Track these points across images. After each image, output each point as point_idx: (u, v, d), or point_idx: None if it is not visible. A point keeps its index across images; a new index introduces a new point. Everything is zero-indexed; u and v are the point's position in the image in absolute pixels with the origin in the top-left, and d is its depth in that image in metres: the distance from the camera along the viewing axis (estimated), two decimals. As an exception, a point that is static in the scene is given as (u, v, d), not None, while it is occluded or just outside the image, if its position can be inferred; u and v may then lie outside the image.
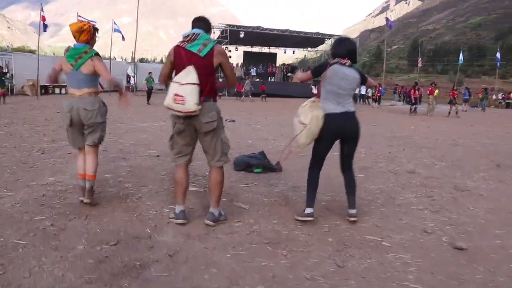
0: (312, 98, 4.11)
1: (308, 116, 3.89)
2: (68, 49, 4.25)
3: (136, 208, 4.22)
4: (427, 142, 10.77)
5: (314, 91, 30.81)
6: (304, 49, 47.92)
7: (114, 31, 27.85)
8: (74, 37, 4.20)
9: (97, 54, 4.23)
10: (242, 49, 41.40)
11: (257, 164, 6.19)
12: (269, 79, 38.60)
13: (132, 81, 32.98)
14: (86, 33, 4.20)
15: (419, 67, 46.10)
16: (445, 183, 6.06)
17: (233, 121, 13.87)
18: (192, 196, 4.71)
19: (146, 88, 23.51)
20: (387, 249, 3.46)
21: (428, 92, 23.21)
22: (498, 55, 38.62)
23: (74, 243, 3.32)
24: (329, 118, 3.90)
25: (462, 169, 7.20)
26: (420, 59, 44.42)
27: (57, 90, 27.23)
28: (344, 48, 3.98)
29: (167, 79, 3.78)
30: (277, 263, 3.13)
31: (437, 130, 14.09)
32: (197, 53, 3.60)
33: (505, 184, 6.20)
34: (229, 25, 35.54)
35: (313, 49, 47.23)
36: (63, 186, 4.94)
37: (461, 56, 40.22)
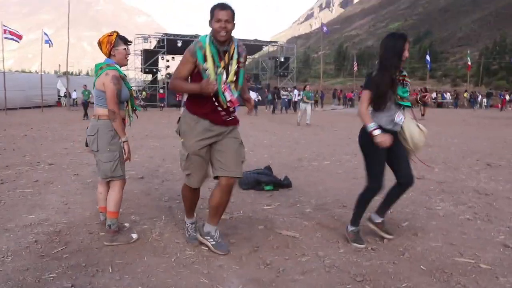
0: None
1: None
2: None
3: (166, 249, 3.41)
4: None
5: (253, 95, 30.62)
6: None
7: (45, 42, 25.63)
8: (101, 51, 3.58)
9: (114, 70, 3.49)
10: (178, 58, 40.18)
11: (267, 181, 5.53)
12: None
13: (62, 95, 30.84)
14: (105, 46, 3.53)
15: (355, 71, 47.33)
16: (462, 187, 5.79)
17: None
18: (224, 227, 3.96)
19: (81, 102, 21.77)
20: (491, 273, 2.97)
21: (359, 95, 23.85)
22: (428, 58, 40.64)
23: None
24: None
25: (461, 171, 7.03)
26: (355, 63, 45.76)
27: None
28: (388, 49, 3.43)
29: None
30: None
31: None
32: None
33: (516, 183, 6.06)
34: (167, 34, 34.36)
35: (250, 56, 47.06)
36: (53, 226, 3.98)
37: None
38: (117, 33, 3.54)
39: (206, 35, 3.13)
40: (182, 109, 3.45)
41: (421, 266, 3.07)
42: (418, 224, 4.09)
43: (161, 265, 3.09)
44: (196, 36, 35.43)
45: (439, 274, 2.93)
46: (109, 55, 3.54)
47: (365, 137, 3.37)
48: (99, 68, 3.54)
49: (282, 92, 28.42)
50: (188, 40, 34.12)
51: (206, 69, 3.09)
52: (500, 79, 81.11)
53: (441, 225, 4.07)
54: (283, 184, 5.67)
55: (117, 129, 3.47)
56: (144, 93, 31.98)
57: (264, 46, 40.85)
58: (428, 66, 42.07)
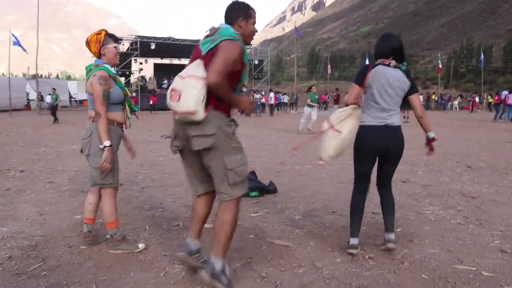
0: (353, 105, 3.30)
1: (346, 124, 3.19)
2: None
3: (154, 263, 3.19)
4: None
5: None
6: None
7: (13, 44, 24.74)
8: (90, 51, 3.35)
9: (102, 70, 3.25)
10: (152, 61, 39.63)
11: (253, 187, 5.36)
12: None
13: (32, 98, 29.85)
14: (94, 45, 3.30)
15: (329, 74, 47.74)
16: (447, 190, 5.78)
17: (169, 137, 12.73)
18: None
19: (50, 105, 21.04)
20: (494, 281, 2.89)
21: (333, 97, 24.79)
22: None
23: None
24: (368, 131, 3.28)
25: (444, 174, 7.05)
26: (329, 66, 46.13)
27: None
28: (387, 46, 3.28)
29: None
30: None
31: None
32: (203, 50, 2.70)
33: (498, 185, 6.10)
34: (140, 37, 33.78)
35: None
36: (29, 239, 3.70)
37: (367, 62, 42.32)
38: (106, 31, 3.32)
39: (236, 32, 2.71)
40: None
41: (423, 275, 2.96)
42: (412, 230, 4.00)
43: (149, 281, 2.88)
44: (169, 38, 35.09)
45: (442, 284, 2.83)
46: (99, 54, 3.31)
47: None
48: (88, 70, 3.31)
49: (255, 96, 27.97)
50: (162, 43, 33.65)
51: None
52: (468, 81, 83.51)
53: (434, 231, 3.99)
54: (268, 190, 5.52)
55: (100, 131, 3.22)
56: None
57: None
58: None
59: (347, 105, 3.23)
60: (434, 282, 2.85)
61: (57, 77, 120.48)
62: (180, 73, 2.64)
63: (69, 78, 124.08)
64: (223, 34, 2.64)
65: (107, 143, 3.21)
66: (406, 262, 3.19)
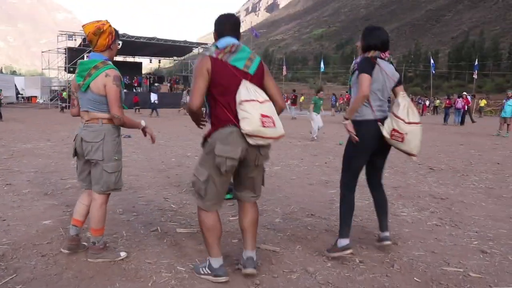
0: (402, 94, 3.34)
1: (414, 113, 3.25)
2: (78, 65, 3.12)
3: (138, 272, 3.01)
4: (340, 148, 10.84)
5: (186, 99, 29.84)
6: (171, 58, 46.35)
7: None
8: (90, 43, 3.03)
9: (114, 69, 3.03)
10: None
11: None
12: (134, 90, 36.11)
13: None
14: (106, 37, 3.01)
15: (284, 75, 48.20)
16: (417, 192, 5.93)
17: (129, 136, 12.31)
18: (192, 242, 3.64)
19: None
20: (483, 282, 2.96)
21: (291, 98, 25.48)
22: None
23: None
24: (371, 125, 3.24)
25: (409, 175, 7.24)
26: (285, 67, 46.55)
27: None
28: (380, 39, 3.27)
29: (202, 101, 2.75)
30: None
31: (331, 134, 14.39)
32: (244, 70, 2.74)
33: (462, 187, 6.33)
34: (93, 32, 32.51)
35: (179, 58, 46.05)
36: (-6, 247, 3.41)
37: (322, 64, 43.14)
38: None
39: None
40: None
41: (415, 278, 2.98)
42: (392, 232, 4.02)
43: (137, 292, 2.71)
44: (124, 35, 34.02)
45: (436, 286, 2.86)
46: (105, 48, 3.05)
47: None
48: (92, 66, 2.99)
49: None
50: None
51: None
52: (415, 85, 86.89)
53: (414, 233, 4.05)
54: (243, 192, 5.41)
55: (131, 125, 3.15)
56: (64, 93, 29.94)
57: (194, 48, 40.13)
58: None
59: (364, 97, 3.13)
60: (427, 285, 2.88)
61: (1, 71, 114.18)
62: (250, 97, 2.64)
63: (14, 73, 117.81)
64: (249, 51, 2.80)
65: (143, 122, 3.24)
66: (396, 265, 3.20)
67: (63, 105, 28.34)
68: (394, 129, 3.13)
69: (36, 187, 5.62)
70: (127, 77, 36.26)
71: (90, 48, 3.04)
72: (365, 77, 3.13)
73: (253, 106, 2.62)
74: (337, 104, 34.74)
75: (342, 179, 3.42)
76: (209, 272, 2.89)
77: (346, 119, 3.28)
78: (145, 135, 3.29)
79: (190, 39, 42.66)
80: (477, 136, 15.53)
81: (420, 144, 3.25)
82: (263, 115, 2.61)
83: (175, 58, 44.44)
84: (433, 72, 45.90)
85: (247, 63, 2.75)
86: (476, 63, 44.18)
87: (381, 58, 3.27)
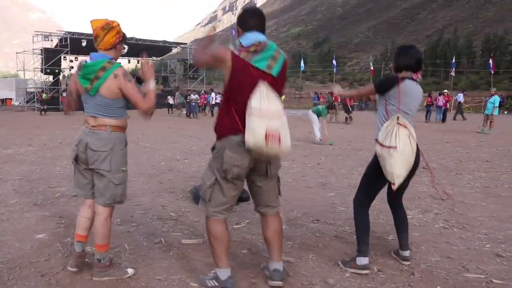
0: (393, 117, 3.09)
1: (398, 137, 2.98)
2: (80, 67, 2.85)
3: (149, 286, 2.83)
4: (332, 149, 10.80)
5: (171, 101, 29.40)
6: (149, 58, 45.62)
7: None
8: (95, 39, 2.81)
9: (120, 67, 2.82)
10: (82, 59, 37.36)
11: (227, 194, 5.07)
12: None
13: None
14: (115, 34, 2.83)
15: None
16: (415, 193, 5.92)
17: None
18: (199, 254, 3.46)
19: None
20: (507, 291, 2.86)
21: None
22: (334, 62, 42.69)
23: None
24: None
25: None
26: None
27: None
28: (413, 58, 3.16)
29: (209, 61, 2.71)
30: None
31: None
32: (266, 71, 2.57)
33: (459, 186, 6.33)
34: (70, 33, 31.80)
35: (157, 58, 45.41)
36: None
37: (302, 64, 43.23)
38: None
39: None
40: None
41: (438, 287, 2.88)
42: (416, 259, 3.92)
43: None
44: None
45: (463, 296, 2.76)
46: (111, 47, 2.85)
47: None
48: (99, 68, 2.76)
49: (191, 96, 25.92)
50: (92, 40, 31.79)
51: None
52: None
53: (424, 236, 3.98)
54: (242, 198, 5.24)
55: (152, 95, 2.92)
56: (44, 95, 29.18)
57: (173, 48, 39.76)
58: (334, 70, 44.19)
59: (361, 96, 3.11)
60: None
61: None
62: (259, 106, 2.45)
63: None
64: (275, 48, 2.64)
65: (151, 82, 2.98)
66: (416, 273, 3.10)
67: (43, 107, 27.51)
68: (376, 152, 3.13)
69: (23, 196, 5.34)
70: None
71: (68, 49, 2.85)
72: (370, 87, 3.28)
73: (260, 119, 2.44)
74: (320, 102, 34.73)
75: (357, 195, 3.32)
76: (216, 284, 2.75)
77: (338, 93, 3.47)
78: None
79: (168, 39, 42.10)
80: (461, 134, 15.71)
81: (399, 171, 3.02)
82: (268, 131, 2.43)
83: (154, 58, 43.84)
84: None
85: (270, 63, 2.57)
86: (454, 60, 44.92)
87: (413, 79, 3.17)
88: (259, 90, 2.49)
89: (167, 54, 43.28)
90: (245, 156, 2.56)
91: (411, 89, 3.11)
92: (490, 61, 39.53)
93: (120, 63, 2.87)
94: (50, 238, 3.81)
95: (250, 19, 2.67)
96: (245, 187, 5.60)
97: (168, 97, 29.56)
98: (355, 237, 3.29)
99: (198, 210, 4.75)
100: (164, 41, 37.32)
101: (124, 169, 2.94)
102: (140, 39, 35.38)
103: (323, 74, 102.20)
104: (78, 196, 3.11)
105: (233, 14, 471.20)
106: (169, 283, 2.90)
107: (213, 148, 2.74)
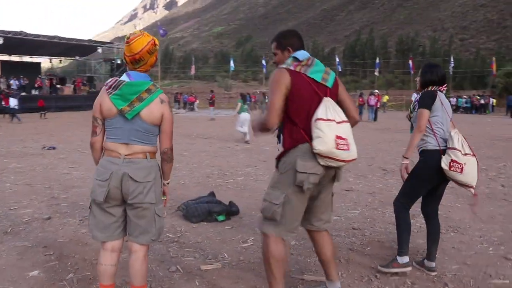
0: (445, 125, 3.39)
1: (466, 145, 3.27)
2: (117, 86, 2.49)
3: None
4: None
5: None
6: (73, 58, 43.09)
7: None
8: (137, 61, 2.52)
9: (164, 93, 2.58)
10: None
11: (220, 210, 4.91)
12: (33, 92, 32.97)
13: None
14: (155, 55, 2.55)
15: (193, 74, 47.47)
16: (393, 196, 6.01)
17: (54, 148, 11.15)
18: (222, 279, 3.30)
19: None
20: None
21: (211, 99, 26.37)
22: (263, 61, 43.26)
23: None
24: (433, 155, 3.30)
25: (370, 179, 7.47)
26: (193, 66, 45.88)
27: None
28: (440, 74, 3.43)
29: (279, 120, 2.64)
30: None
31: (267, 138, 14.37)
32: (322, 83, 2.66)
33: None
34: (-19, 30, 29.05)
35: (81, 58, 43.00)
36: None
37: (231, 63, 43.29)
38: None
39: None
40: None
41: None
42: (411, 245, 4.03)
43: None
44: (20, 33, 30.94)
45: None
46: (151, 68, 2.59)
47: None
48: (144, 89, 2.50)
49: None
50: (11, 38, 29.43)
51: None
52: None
53: (453, 265, 3.72)
54: (232, 212, 5.12)
55: (170, 170, 2.74)
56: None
57: (98, 48, 37.86)
58: (264, 69, 44.76)
59: (420, 132, 3.28)
60: None
61: None
62: (327, 117, 2.56)
63: None
64: (323, 65, 2.75)
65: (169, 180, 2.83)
66: (449, 283, 3.21)
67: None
68: (452, 160, 3.17)
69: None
70: (23, 78, 33.06)
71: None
72: (424, 112, 3.28)
73: (328, 126, 2.54)
74: (252, 103, 34.96)
75: (399, 200, 3.48)
76: None
77: (405, 158, 3.38)
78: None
79: (87, 37, 39.96)
80: (396, 132, 16.62)
81: (477, 176, 3.30)
82: (338, 137, 2.54)
83: (77, 58, 41.51)
84: (340, 70, 48.46)
85: (324, 76, 2.68)
86: (377, 61, 47.50)
87: (441, 91, 3.42)
88: (324, 103, 2.60)
89: (91, 54, 41.14)
90: (316, 163, 2.57)
91: (444, 98, 3.39)
92: (410, 62, 42.21)
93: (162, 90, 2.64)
94: (47, 276, 3.38)
95: (296, 39, 2.82)
96: (239, 199, 5.48)
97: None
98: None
99: (193, 228, 4.58)
100: (90, 40, 35.49)
101: (163, 198, 2.70)
102: (63, 38, 33.38)
103: (246, 73, 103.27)
104: (95, 239, 2.69)
105: (154, 12, 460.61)
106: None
107: (277, 165, 2.71)
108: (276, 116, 2.58)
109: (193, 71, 48.71)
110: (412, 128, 3.54)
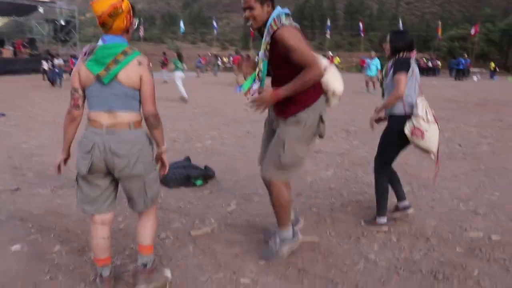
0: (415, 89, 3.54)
1: (430, 112, 3.44)
2: (91, 51, 2.34)
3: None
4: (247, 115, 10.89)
5: (45, 66, 26.16)
6: (11, 17, 40.11)
7: None
8: (103, 25, 2.33)
9: (144, 56, 2.43)
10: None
11: (197, 175, 4.89)
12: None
13: None
14: (125, 17, 2.35)
15: (142, 35, 45.69)
16: (360, 158, 6.34)
17: (3, 114, 10.49)
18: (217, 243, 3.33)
19: None
20: (508, 243, 3.33)
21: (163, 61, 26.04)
22: (214, 23, 42.29)
23: None
24: (404, 121, 3.47)
25: (334, 139, 7.67)
26: (142, 27, 44.11)
27: None
28: (409, 40, 3.54)
29: None
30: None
31: (225, 100, 14.30)
32: None
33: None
34: None
35: (19, 17, 40.10)
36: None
37: (181, 25, 42.16)
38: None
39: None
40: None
41: (457, 247, 3.26)
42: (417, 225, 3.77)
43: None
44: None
45: (479, 252, 3.19)
46: (124, 31, 2.41)
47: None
48: (119, 51, 2.35)
49: (55, 61, 22.03)
50: None
51: None
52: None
53: (431, 222, 3.83)
54: (209, 175, 5.11)
55: (161, 136, 2.56)
56: None
57: (39, 7, 35.32)
58: (215, 31, 43.91)
59: (399, 97, 3.36)
60: (472, 252, 3.19)
61: None
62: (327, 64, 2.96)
63: None
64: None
65: (165, 147, 2.63)
66: (432, 239, 3.41)
67: None
68: (415, 126, 3.35)
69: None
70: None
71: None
72: (403, 77, 3.35)
73: (335, 69, 3.02)
74: (203, 65, 34.32)
75: (376, 166, 3.70)
76: (288, 241, 3.03)
77: (375, 112, 3.64)
78: (157, 161, 2.65)
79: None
80: (352, 94, 16.91)
81: (437, 142, 3.49)
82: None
83: (14, 17, 38.62)
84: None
85: None
86: (328, 23, 47.72)
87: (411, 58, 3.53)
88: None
89: (31, 13, 38.41)
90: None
91: (415, 65, 3.53)
92: (360, 24, 42.70)
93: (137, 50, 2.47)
94: (31, 249, 3.26)
95: None
96: (210, 164, 5.42)
97: (42, 61, 25.68)
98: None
99: (172, 193, 4.54)
100: (29, -1, 32.92)
101: (155, 168, 2.61)
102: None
103: (194, 35, 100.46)
104: (85, 212, 2.59)
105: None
106: (219, 284, 2.76)
107: (297, 121, 2.83)
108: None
109: (142, 33, 46.84)
110: (383, 94, 3.69)
